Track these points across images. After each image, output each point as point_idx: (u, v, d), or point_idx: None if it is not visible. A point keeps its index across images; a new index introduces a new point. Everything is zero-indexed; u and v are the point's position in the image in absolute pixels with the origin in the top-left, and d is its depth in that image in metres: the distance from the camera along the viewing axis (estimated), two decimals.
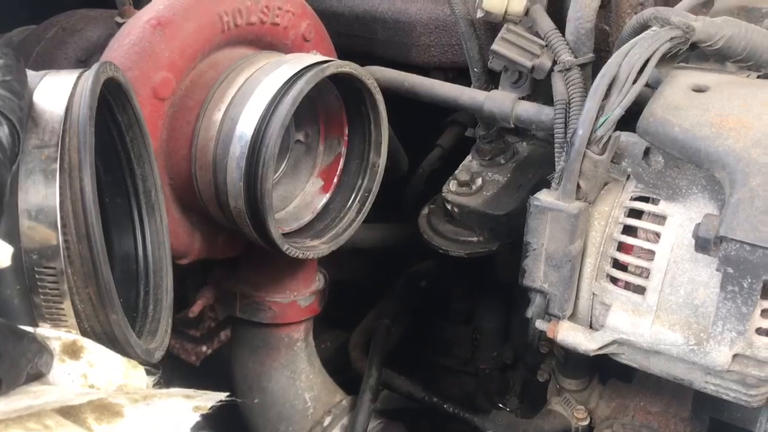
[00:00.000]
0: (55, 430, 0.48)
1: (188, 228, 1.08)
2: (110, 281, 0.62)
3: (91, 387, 0.62)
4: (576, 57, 1.03)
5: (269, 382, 1.27)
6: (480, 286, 1.52)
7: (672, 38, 0.84)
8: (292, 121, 1.09)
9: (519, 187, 1.20)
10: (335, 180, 1.15)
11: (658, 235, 0.85)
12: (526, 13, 1.08)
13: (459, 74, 1.24)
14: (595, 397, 1.22)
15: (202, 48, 1.02)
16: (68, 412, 0.55)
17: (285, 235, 1.05)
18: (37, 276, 0.61)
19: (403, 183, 1.44)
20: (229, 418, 0.95)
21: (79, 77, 0.66)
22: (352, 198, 1.14)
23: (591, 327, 0.92)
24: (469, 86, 1.21)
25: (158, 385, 0.68)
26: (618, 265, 0.88)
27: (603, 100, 0.83)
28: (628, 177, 0.90)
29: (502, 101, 1.11)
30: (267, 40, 1.10)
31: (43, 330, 0.62)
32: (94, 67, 0.67)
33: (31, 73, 0.67)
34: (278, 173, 1.15)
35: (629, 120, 0.86)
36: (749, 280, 0.75)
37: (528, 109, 1.10)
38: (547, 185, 0.92)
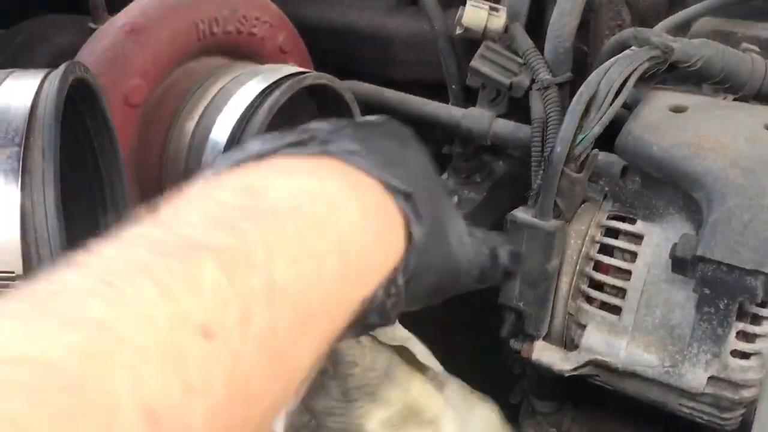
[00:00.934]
0: None
1: None
2: None
3: None
4: (554, 76, 1.03)
5: None
6: (451, 308, 1.50)
7: (651, 58, 0.84)
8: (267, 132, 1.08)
9: (495, 205, 1.19)
10: None
11: (634, 254, 0.85)
12: (506, 30, 1.08)
13: (437, 91, 1.23)
14: (567, 420, 1.21)
15: (177, 56, 1.00)
16: None
17: None
18: None
19: None
20: None
21: (46, 76, 0.64)
22: None
23: (566, 347, 0.91)
24: (447, 104, 1.20)
25: None
26: (594, 284, 0.87)
27: (581, 118, 0.83)
28: (605, 196, 0.89)
29: (479, 118, 1.11)
30: (243, 51, 1.09)
31: None
32: (63, 66, 0.65)
33: None
34: None
35: (605, 141, 0.86)
36: (725, 302, 0.74)
37: (505, 127, 1.09)
38: (524, 204, 0.91)
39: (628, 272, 0.84)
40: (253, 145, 0.50)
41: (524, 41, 1.06)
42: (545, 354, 0.89)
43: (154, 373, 0.29)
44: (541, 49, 1.05)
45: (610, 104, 0.82)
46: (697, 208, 0.81)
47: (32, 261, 0.59)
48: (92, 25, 1.04)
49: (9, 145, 0.59)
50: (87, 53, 0.95)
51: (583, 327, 0.87)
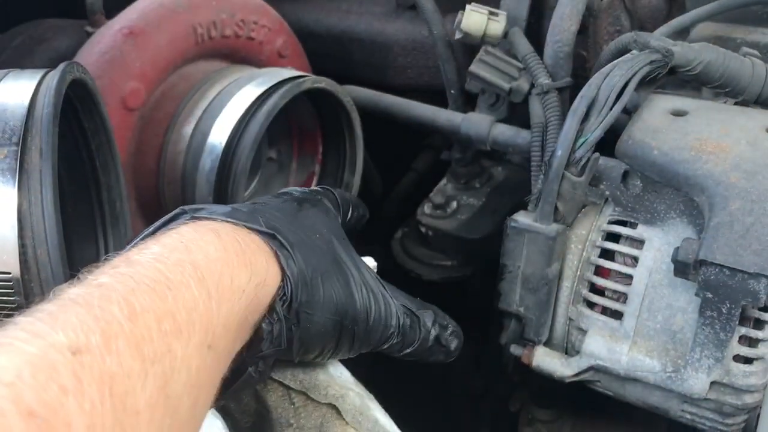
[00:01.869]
0: None
1: None
2: None
3: None
4: (554, 80, 1.03)
5: None
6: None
7: (651, 62, 0.84)
8: (265, 137, 1.07)
9: (494, 211, 1.19)
10: None
11: (635, 259, 0.84)
12: (505, 35, 1.08)
13: (435, 97, 1.23)
14: (567, 428, 1.20)
15: (175, 59, 0.99)
16: None
17: None
18: None
19: (376, 206, 1.42)
20: None
21: (44, 76, 0.64)
22: None
23: (567, 353, 0.90)
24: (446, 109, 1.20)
25: None
26: (595, 289, 0.86)
27: (582, 122, 0.83)
28: (606, 200, 0.89)
29: (478, 123, 1.10)
30: (242, 55, 1.09)
31: None
32: (61, 66, 0.64)
33: None
34: (249, 191, 1.12)
35: (605, 146, 0.86)
36: (728, 306, 0.74)
37: (505, 132, 1.09)
38: (524, 209, 0.90)
39: (630, 277, 0.84)
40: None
41: (524, 46, 1.06)
42: (546, 360, 0.89)
43: (31, 385, 0.36)
44: (541, 54, 1.05)
45: (611, 108, 0.82)
46: (698, 212, 0.81)
47: (29, 262, 0.58)
48: (89, 29, 1.04)
49: (6, 145, 0.58)
50: (85, 56, 0.94)
51: (584, 332, 0.86)
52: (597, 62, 0.96)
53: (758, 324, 0.76)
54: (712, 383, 0.77)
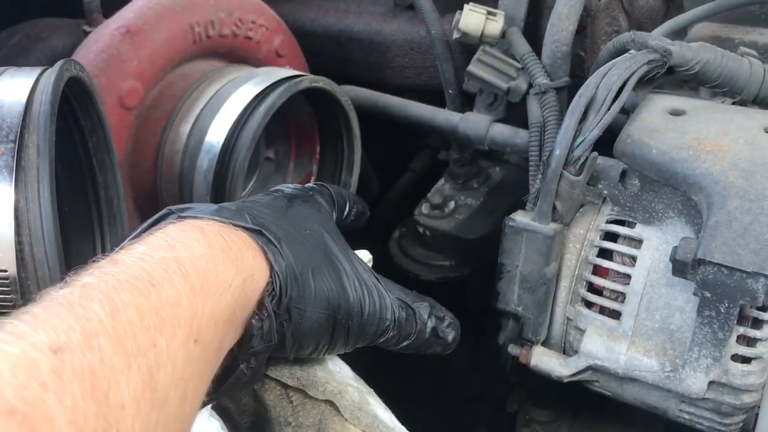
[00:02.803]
0: None
1: None
2: None
3: None
4: (552, 80, 1.03)
5: None
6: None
7: (650, 61, 0.84)
8: (262, 137, 1.07)
9: (492, 211, 1.19)
10: None
11: (634, 258, 0.84)
12: (503, 35, 1.08)
13: (433, 97, 1.22)
14: (564, 429, 1.20)
15: (172, 58, 0.99)
16: None
17: None
18: None
19: (374, 206, 1.42)
20: None
21: (41, 74, 0.63)
22: None
23: (565, 352, 0.90)
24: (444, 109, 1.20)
25: None
26: (593, 289, 0.86)
27: (580, 122, 0.83)
28: (604, 200, 0.89)
29: (476, 123, 1.10)
30: (239, 54, 1.08)
31: None
32: (59, 63, 0.64)
33: None
34: (247, 190, 1.12)
35: (603, 147, 0.86)
36: (726, 305, 0.74)
37: (503, 132, 1.09)
38: (521, 209, 0.90)
39: (628, 276, 0.84)
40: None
41: (522, 45, 1.06)
42: (544, 359, 0.88)
43: (11, 383, 0.36)
44: (539, 54, 1.05)
45: (609, 107, 0.82)
46: (696, 212, 0.81)
47: (26, 259, 0.58)
48: (87, 28, 1.03)
49: (3, 142, 0.58)
50: (82, 55, 0.94)
51: (583, 332, 0.86)
52: (595, 62, 0.96)
53: (756, 323, 0.76)
54: (711, 383, 0.77)
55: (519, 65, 1.06)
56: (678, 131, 0.83)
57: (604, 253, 0.86)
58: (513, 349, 0.92)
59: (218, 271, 0.55)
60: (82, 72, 0.71)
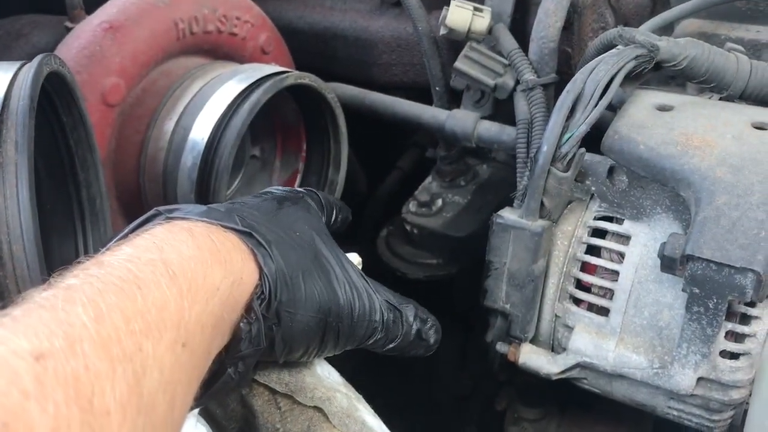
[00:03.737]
0: None
1: None
2: None
3: None
4: (539, 77, 1.02)
5: None
6: (436, 314, 1.48)
7: (637, 56, 0.83)
8: (247, 134, 1.06)
9: (479, 209, 1.18)
10: None
11: (622, 255, 0.83)
12: (490, 31, 1.07)
13: (420, 94, 1.22)
14: (553, 427, 1.19)
15: (156, 55, 0.98)
16: None
17: None
18: None
19: (361, 205, 1.41)
20: None
21: (20, 68, 0.62)
22: None
23: (553, 350, 0.89)
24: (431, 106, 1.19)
25: None
26: (581, 285, 0.86)
27: (567, 118, 0.82)
28: (592, 196, 0.88)
29: (464, 120, 1.09)
30: (224, 51, 1.07)
31: None
32: (38, 57, 0.63)
33: None
34: (232, 189, 1.11)
35: (590, 144, 0.85)
36: (715, 301, 0.73)
37: (490, 129, 1.08)
38: (509, 206, 0.90)
39: (616, 273, 0.83)
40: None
41: (509, 42, 1.05)
42: (532, 357, 0.88)
43: None
44: (526, 51, 1.04)
45: (597, 103, 0.81)
46: (684, 208, 0.80)
47: (4, 258, 0.57)
48: (69, 25, 1.02)
49: None
50: (64, 51, 0.93)
51: (571, 329, 0.85)
52: (582, 58, 0.95)
53: (744, 319, 0.76)
54: (699, 379, 0.77)
55: (506, 62, 1.06)
56: (666, 127, 0.82)
57: (592, 250, 0.86)
58: (501, 347, 0.91)
59: (206, 273, 0.54)
60: (63, 67, 0.70)
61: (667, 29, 1.03)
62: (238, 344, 0.59)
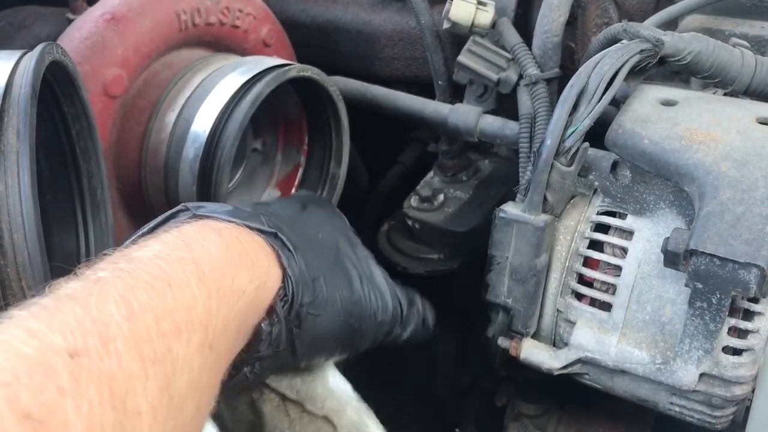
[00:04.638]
0: None
1: None
2: (47, 274, 0.57)
3: None
4: (542, 71, 1.02)
5: None
6: (436, 310, 1.48)
7: (642, 51, 0.83)
8: (249, 127, 1.06)
9: (481, 204, 1.18)
10: (293, 191, 1.11)
11: (625, 250, 0.83)
12: (493, 25, 1.07)
13: (422, 88, 1.21)
14: (553, 423, 1.19)
15: (158, 46, 0.97)
16: None
17: None
18: None
19: (362, 199, 1.41)
20: None
21: (21, 56, 0.62)
22: None
23: (555, 345, 0.89)
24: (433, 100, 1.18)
25: None
26: (584, 280, 0.86)
27: (571, 113, 0.82)
28: (595, 191, 0.88)
29: (466, 114, 1.09)
30: (226, 43, 1.07)
31: None
32: (40, 46, 0.62)
33: None
34: (233, 182, 1.10)
35: (594, 139, 0.85)
36: (718, 296, 0.73)
37: (492, 123, 1.08)
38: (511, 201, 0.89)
39: (619, 268, 0.83)
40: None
41: (512, 36, 1.05)
42: (534, 352, 0.88)
43: (28, 386, 0.35)
44: (529, 45, 1.04)
45: (601, 97, 0.81)
46: (688, 203, 0.80)
47: (5, 246, 0.56)
48: (71, 16, 1.01)
49: None
50: (66, 42, 0.92)
51: (573, 324, 0.85)
52: (586, 52, 0.95)
53: (747, 315, 0.76)
54: (701, 375, 0.77)
55: (509, 56, 1.05)
56: (670, 122, 0.82)
57: (595, 245, 0.86)
58: (503, 342, 0.91)
59: (234, 276, 0.54)
60: (65, 56, 0.69)
61: (671, 25, 1.03)
62: (257, 345, 0.59)
